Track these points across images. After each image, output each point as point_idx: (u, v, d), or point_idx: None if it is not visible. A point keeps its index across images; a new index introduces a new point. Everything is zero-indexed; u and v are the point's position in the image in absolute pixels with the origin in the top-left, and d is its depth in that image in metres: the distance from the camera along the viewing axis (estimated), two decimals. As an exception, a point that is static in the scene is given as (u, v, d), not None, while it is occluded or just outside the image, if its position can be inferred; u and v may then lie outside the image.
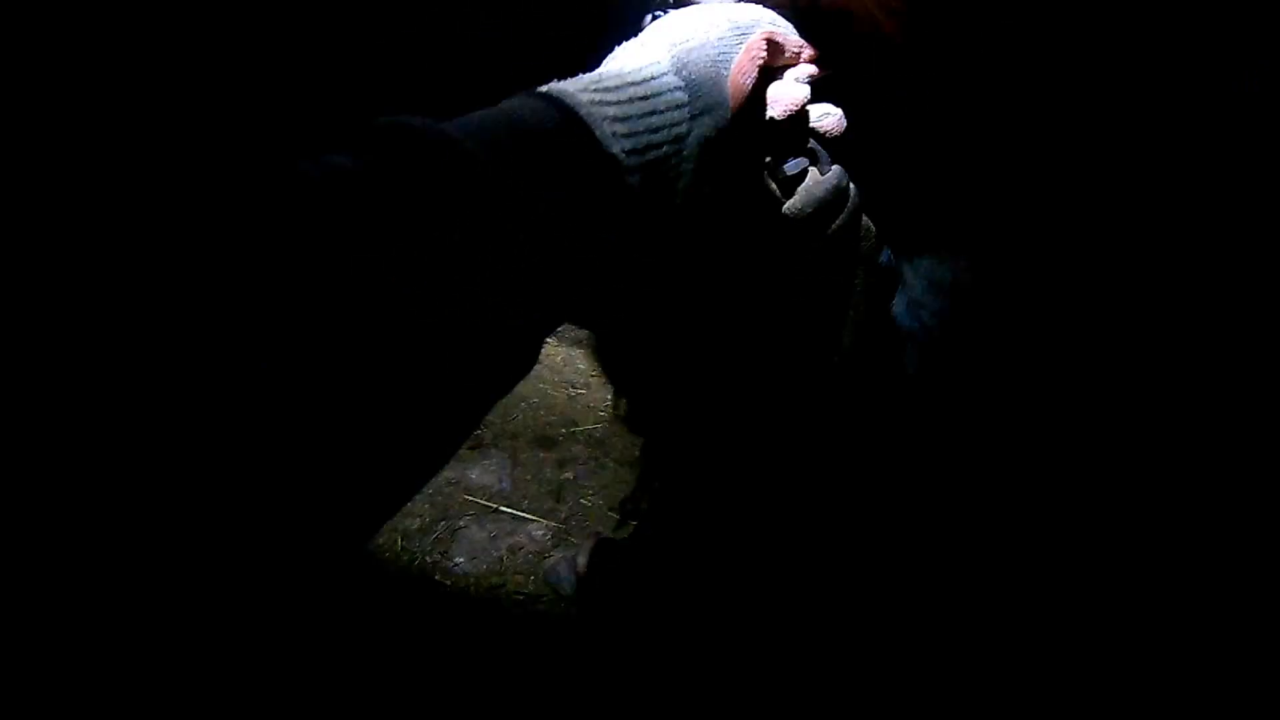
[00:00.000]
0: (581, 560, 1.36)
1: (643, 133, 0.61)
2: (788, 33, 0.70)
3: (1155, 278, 0.88)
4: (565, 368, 1.79)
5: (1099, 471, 1.01)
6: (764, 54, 0.67)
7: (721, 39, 0.66)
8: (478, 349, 0.54)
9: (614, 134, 0.59)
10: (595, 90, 0.60)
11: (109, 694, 0.44)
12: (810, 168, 0.73)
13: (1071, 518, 1.05)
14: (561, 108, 0.58)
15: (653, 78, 0.62)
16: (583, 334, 1.83)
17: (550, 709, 1.20)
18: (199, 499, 0.43)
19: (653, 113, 0.62)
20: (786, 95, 0.69)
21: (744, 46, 0.66)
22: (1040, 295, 0.88)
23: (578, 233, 0.58)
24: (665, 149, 0.62)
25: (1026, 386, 0.92)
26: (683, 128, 0.62)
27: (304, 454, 0.47)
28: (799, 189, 0.72)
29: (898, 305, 0.88)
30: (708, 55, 0.65)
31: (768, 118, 0.69)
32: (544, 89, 0.61)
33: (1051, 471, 1.00)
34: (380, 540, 1.39)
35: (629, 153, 0.59)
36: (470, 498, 1.49)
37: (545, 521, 1.47)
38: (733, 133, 0.66)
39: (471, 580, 1.37)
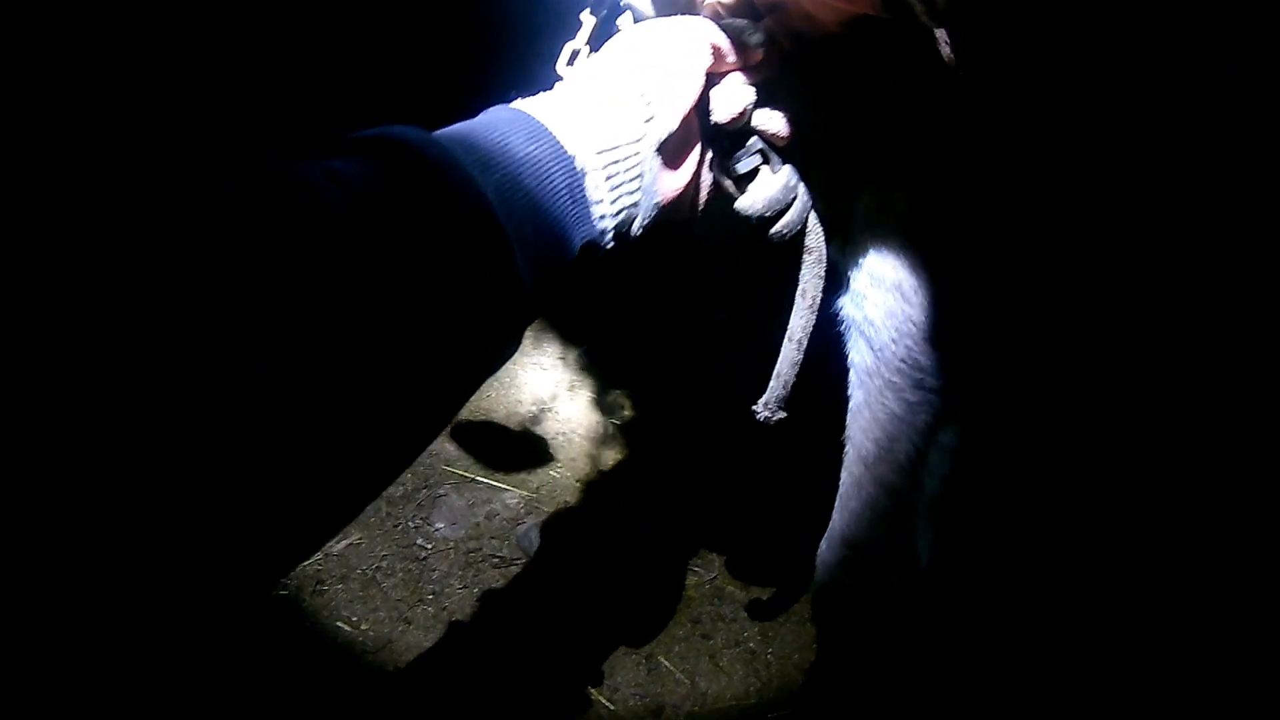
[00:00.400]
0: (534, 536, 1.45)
1: (609, 145, 0.67)
2: (728, 44, 0.73)
3: (1114, 273, 0.90)
4: (534, 350, 1.86)
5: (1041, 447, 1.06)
6: (708, 61, 0.72)
7: (670, 53, 0.71)
8: (465, 344, 0.58)
9: (588, 151, 0.65)
10: (568, 111, 0.67)
11: (113, 685, 0.45)
12: (762, 167, 0.76)
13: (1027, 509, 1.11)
14: (538, 130, 0.64)
15: (615, 91, 0.68)
16: (549, 319, 1.91)
17: (523, 663, 1.29)
18: (201, 489, 0.44)
19: (615, 120, 0.68)
20: (729, 99, 0.73)
21: (688, 57, 0.71)
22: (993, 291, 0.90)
23: (553, 237, 0.63)
24: (626, 154, 0.68)
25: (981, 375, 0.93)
26: (638, 131, 0.69)
27: (305, 441, 0.48)
28: (751, 186, 0.76)
29: (841, 297, 0.93)
30: (658, 68, 0.70)
31: (712, 121, 0.74)
32: (524, 105, 0.67)
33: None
34: (366, 506, 1.47)
35: (599, 159, 0.66)
36: (449, 468, 1.57)
37: (518, 491, 1.55)
38: (683, 134, 0.71)
39: (451, 544, 1.45)
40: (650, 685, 1.29)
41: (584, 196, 0.66)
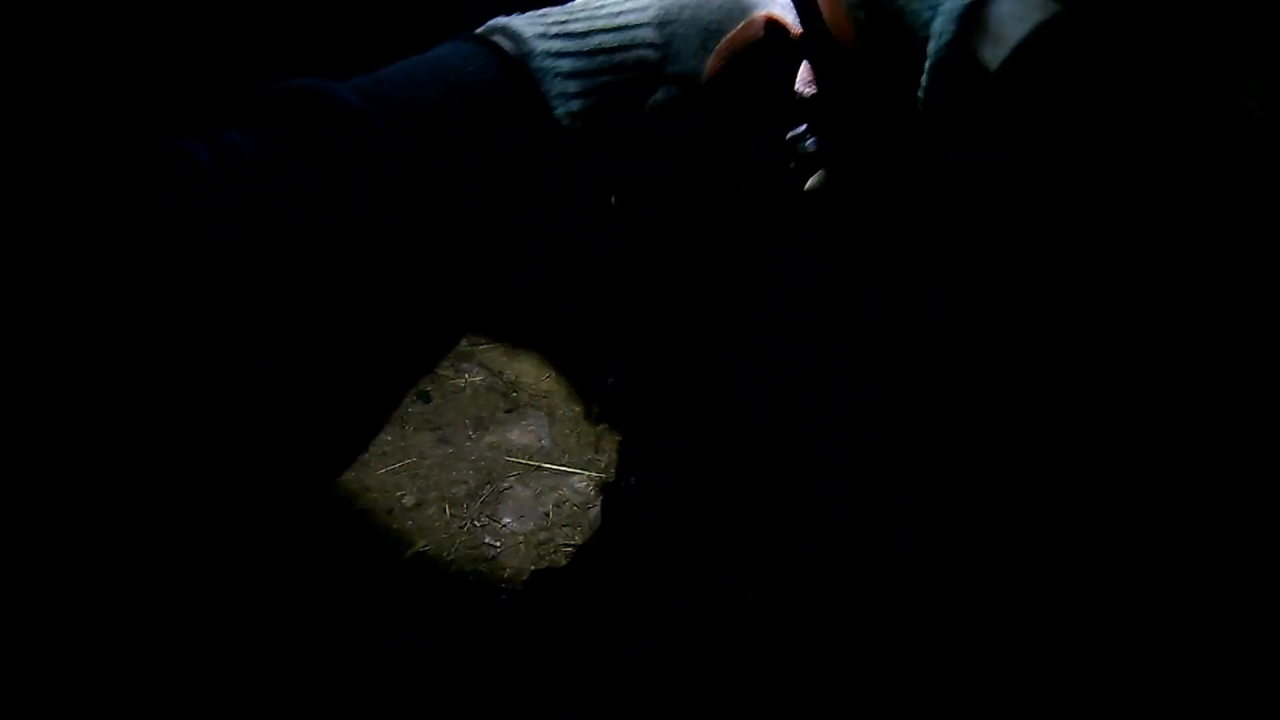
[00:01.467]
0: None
1: (596, 90, 0.59)
2: (794, 19, 0.65)
3: (1111, 274, 0.86)
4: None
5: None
6: (760, 35, 0.63)
7: (721, 6, 0.62)
8: (404, 319, 0.55)
9: (563, 92, 0.57)
10: (556, 35, 0.58)
11: (112, 679, 0.46)
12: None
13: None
14: (505, 58, 0.57)
15: (627, 27, 0.59)
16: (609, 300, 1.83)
17: (603, 653, 1.22)
18: (195, 474, 0.45)
19: (614, 67, 0.59)
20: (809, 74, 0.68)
21: (743, 24, 0.63)
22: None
23: (505, 200, 0.57)
24: (621, 113, 0.60)
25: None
26: (645, 88, 0.61)
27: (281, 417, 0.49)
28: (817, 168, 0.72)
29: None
30: (699, 20, 0.61)
31: (799, 95, 0.68)
32: (495, 28, 0.59)
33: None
34: (428, 510, 1.41)
35: (575, 114, 0.58)
36: (512, 459, 1.50)
37: (586, 473, 1.48)
38: (709, 105, 0.63)
39: (520, 538, 1.38)
40: (738, 674, 1.21)
41: (548, 165, 0.59)
